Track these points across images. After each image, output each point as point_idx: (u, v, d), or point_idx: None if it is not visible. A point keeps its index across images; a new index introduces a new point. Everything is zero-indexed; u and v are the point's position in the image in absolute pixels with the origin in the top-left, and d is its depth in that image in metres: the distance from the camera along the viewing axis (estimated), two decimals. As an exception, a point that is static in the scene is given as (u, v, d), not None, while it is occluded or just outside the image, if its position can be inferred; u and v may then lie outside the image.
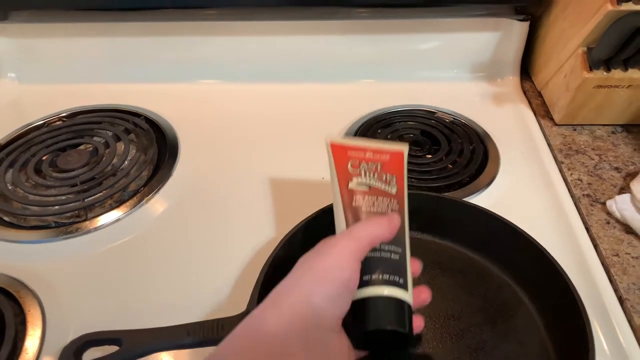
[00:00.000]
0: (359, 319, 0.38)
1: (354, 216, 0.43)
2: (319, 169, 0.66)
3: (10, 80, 0.85)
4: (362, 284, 0.39)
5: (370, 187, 0.45)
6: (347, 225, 0.43)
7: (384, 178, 0.45)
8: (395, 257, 0.41)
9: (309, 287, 0.35)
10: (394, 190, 0.45)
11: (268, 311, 0.35)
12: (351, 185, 0.45)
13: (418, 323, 0.43)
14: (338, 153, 0.47)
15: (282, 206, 0.62)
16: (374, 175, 0.45)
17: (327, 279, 0.36)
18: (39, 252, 0.57)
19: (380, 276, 0.39)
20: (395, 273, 0.40)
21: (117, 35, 0.82)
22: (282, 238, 0.50)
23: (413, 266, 0.43)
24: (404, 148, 0.48)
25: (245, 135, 0.74)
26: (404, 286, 0.40)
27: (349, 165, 0.46)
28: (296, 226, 0.51)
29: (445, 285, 0.52)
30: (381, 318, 0.38)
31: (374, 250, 0.40)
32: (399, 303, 0.39)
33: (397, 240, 0.42)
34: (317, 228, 0.46)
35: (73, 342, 0.40)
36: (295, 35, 0.81)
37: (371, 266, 0.40)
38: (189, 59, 0.84)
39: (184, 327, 0.41)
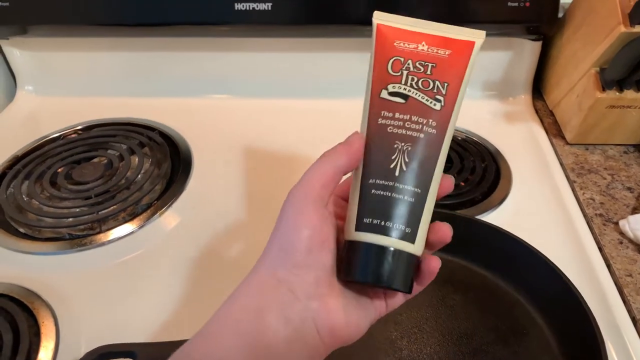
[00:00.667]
0: (350, 263, 0.34)
1: (375, 138, 0.35)
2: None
3: (28, 93, 0.86)
4: (362, 226, 0.33)
5: (407, 98, 0.35)
6: (366, 150, 0.35)
7: (431, 86, 0.35)
8: (409, 199, 0.33)
9: (271, 261, 0.34)
10: (438, 106, 0.34)
11: (239, 290, 0.34)
12: (384, 93, 0.35)
13: (433, 264, 0.35)
14: (383, 40, 0.36)
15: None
16: (418, 81, 0.35)
17: (286, 248, 0.33)
18: (53, 264, 0.58)
19: (383, 222, 0.33)
20: (403, 221, 0.33)
21: (132, 49, 0.83)
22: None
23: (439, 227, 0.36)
24: (477, 37, 0.36)
25: (259, 150, 0.74)
26: (409, 237, 0.33)
27: (389, 65, 0.35)
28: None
29: (457, 303, 0.52)
30: (369, 270, 0.33)
31: (385, 187, 0.33)
32: (397, 256, 0.33)
33: (419, 178, 0.34)
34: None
35: (88, 354, 0.40)
36: (308, 52, 0.82)
37: (376, 207, 0.33)
38: (203, 74, 0.84)
39: (198, 341, 0.41)
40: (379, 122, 0.35)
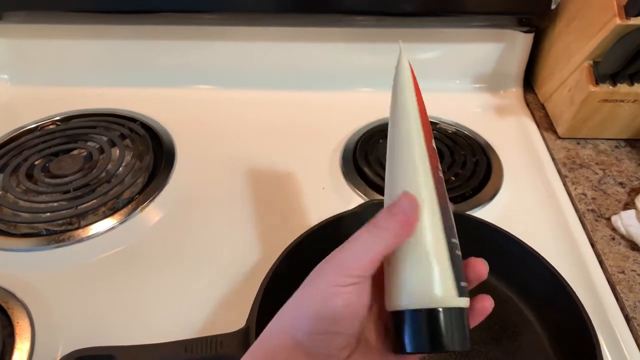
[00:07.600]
0: (437, 332, 0.30)
1: (442, 193, 0.32)
2: (318, 178, 0.65)
3: (3, 82, 0.83)
4: (462, 291, 0.31)
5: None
6: (441, 207, 0.32)
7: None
8: (459, 252, 0.31)
9: (289, 324, 0.31)
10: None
11: (254, 353, 0.31)
12: (434, 142, 0.34)
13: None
14: (418, 87, 0.35)
15: (282, 217, 0.61)
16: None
17: (305, 313, 0.30)
18: (29, 261, 0.56)
19: (464, 282, 0.31)
20: (463, 276, 0.31)
21: (114, 38, 0.80)
22: (282, 250, 0.48)
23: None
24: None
25: (244, 143, 0.73)
26: (467, 291, 0.31)
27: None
28: (298, 238, 0.50)
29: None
30: (455, 336, 0.30)
31: (456, 245, 0.31)
32: (460, 314, 0.30)
33: (452, 225, 0.32)
34: (320, 240, 0.44)
35: (64, 358, 0.39)
36: (294, 42, 0.80)
37: (459, 268, 0.31)
38: (187, 63, 0.82)
39: (182, 344, 0.40)
40: (440, 175, 0.33)
